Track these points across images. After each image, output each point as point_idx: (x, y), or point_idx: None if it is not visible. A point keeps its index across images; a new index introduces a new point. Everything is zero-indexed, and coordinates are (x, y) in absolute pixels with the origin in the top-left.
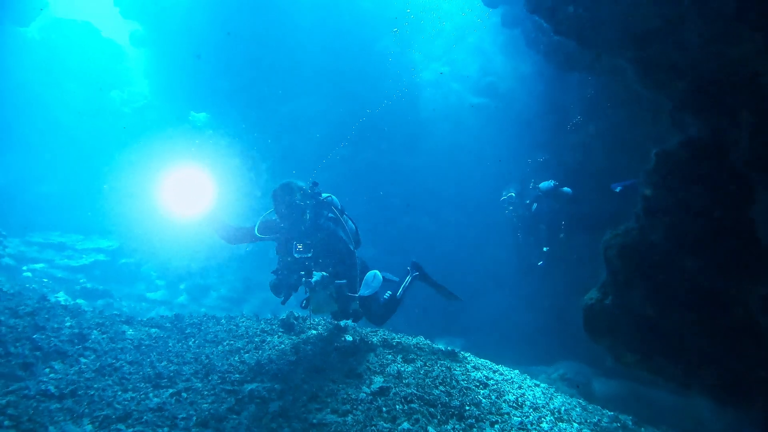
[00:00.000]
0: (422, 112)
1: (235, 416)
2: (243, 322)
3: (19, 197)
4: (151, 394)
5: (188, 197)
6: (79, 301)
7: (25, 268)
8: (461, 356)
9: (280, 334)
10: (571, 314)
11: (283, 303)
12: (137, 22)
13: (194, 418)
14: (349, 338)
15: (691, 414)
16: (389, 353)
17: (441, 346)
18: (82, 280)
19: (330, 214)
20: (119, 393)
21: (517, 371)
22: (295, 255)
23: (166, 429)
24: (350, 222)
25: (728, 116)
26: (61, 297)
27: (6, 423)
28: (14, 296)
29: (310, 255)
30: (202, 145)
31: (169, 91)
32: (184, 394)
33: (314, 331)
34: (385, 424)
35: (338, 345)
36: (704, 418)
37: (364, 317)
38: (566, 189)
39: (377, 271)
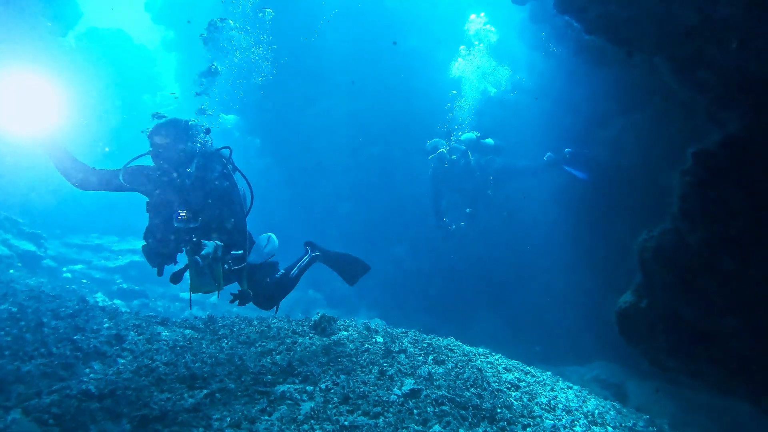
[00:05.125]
0: (449, 111)
1: (267, 417)
2: (275, 323)
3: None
4: (186, 395)
5: (26, 111)
6: (117, 301)
7: (65, 269)
8: (492, 358)
9: (311, 335)
10: (606, 313)
11: (159, 275)
12: (167, 27)
13: (228, 418)
14: (380, 339)
15: (730, 418)
16: (420, 354)
17: (472, 348)
18: (118, 281)
19: (223, 170)
20: (155, 393)
21: (549, 373)
22: (176, 225)
23: (201, 429)
24: (243, 180)
25: None
26: (99, 297)
27: (50, 421)
28: (55, 298)
29: (197, 225)
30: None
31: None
32: (218, 395)
33: (345, 333)
34: (416, 427)
35: (369, 346)
36: (744, 422)
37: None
38: (489, 140)
39: (272, 234)
